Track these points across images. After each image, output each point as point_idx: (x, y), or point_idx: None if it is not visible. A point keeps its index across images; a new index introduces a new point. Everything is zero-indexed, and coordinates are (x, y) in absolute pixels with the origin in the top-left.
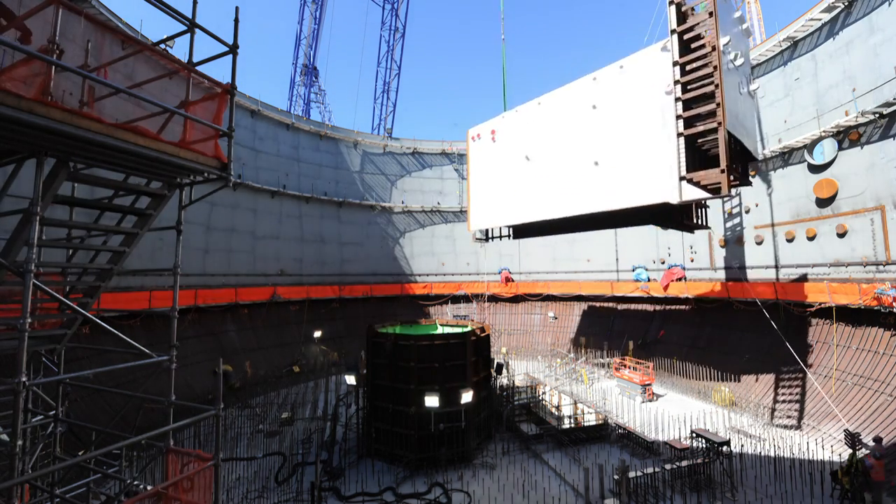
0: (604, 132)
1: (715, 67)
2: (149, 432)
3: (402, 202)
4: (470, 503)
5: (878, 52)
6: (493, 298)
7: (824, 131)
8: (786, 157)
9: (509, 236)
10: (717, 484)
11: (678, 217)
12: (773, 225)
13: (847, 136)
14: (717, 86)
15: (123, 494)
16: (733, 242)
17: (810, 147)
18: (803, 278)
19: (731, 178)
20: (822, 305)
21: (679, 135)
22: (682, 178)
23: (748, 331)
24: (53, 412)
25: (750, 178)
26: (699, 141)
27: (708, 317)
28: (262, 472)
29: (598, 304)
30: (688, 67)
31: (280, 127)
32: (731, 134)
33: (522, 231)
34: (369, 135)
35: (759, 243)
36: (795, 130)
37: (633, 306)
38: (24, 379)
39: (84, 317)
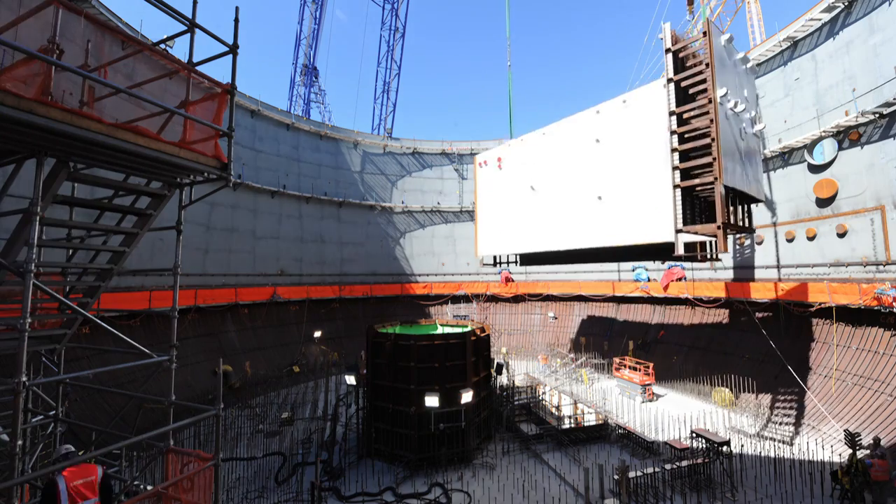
0: (607, 167)
1: (711, 120)
2: (149, 432)
3: (402, 202)
4: (470, 503)
5: (878, 52)
6: (493, 298)
7: (824, 131)
8: (786, 157)
9: (517, 262)
10: (717, 484)
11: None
12: (773, 225)
13: (847, 136)
14: (713, 139)
15: (123, 494)
16: (733, 243)
17: (810, 147)
18: (803, 278)
19: (729, 231)
20: (822, 305)
21: (675, 186)
22: (678, 231)
23: (748, 331)
24: (53, 412)
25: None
26: (697, 188)
27: (708, 317)
28: (262, 472)
29: (598, 305)
30: (685, 116)
31: (280, 127)
32: (728, 187)
33: (529, 259)
34: (369, 135)
35: (760, 243)
36: (795, 130)
37: (633, 306)
38: (24, 379)
39: (84, 317)
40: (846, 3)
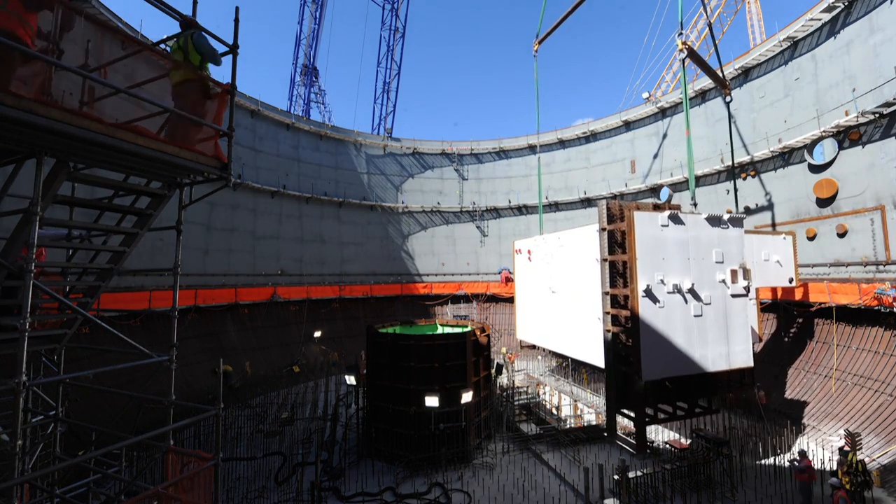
0: (582, 301)
1: (631, 317)
2: (149, 432)
3: (403, 202)
4: (470, 503)
5: (878, 52)
6: (493, 298)
7: (824, 131)
8: (786, 156)
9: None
10: (717, 484)
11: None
12: (772, 225)
13: (847, 136)
14: (628, 339)
15: (123, 494)
16: None
17: (810, 147)
18: (804, 278)
19: (659, 416)
20: (822, 305)
21: (608, 366)
22: (615, 411)
23: None
24: (53, 412)
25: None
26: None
27: None
28: (262, 472)
29: None
30: (619, 298)
31: (280, 127)
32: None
33: (557, 354)
34: (369, 135)
35: None
36: (795, 130)
37: None
38: (24, 379)
39: (84, 317)
40: (846, 3)
